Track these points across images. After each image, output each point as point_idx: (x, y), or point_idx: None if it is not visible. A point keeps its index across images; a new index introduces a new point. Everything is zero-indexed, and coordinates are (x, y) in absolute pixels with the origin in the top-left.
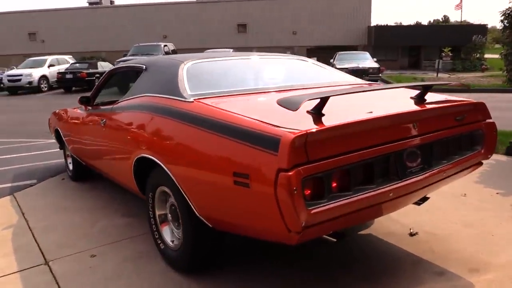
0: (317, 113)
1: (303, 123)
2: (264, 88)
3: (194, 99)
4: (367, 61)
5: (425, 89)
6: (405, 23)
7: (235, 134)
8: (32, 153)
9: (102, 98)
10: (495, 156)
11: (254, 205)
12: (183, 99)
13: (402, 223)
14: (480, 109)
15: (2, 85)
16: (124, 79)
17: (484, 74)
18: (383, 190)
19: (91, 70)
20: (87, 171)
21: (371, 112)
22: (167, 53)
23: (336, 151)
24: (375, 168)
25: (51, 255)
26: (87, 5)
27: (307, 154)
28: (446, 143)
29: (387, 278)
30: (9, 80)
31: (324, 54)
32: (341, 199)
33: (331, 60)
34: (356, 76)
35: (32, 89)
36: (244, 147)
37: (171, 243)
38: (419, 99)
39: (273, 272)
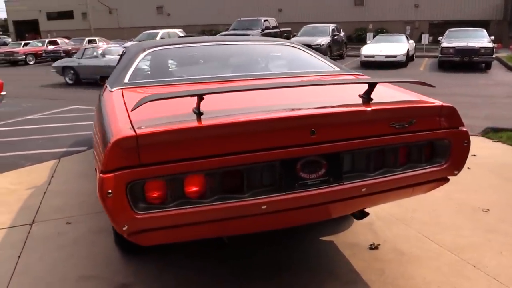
0: (196, 112)
1: (163, 123)
2: (209, 78)
3: (117, 89)
4: (482, 40)
5: (370, 86)
6: None
7: (105, 128)
8: None
9: None
10: None
11: None
12: (110, 88)
13: (379, 235)
14: (447, 114)
15: (118, 55)
16: None
17: None
18: (251, 202)
19: None
20: None
21: (263, 113)
22: (267, 28)
23: (185, 155)
24: (246, 176)
25: (40, 218)
26: None
27: (139, 157)
28: (376, 153)
29: None
30: None
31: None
32: (190, 207)
33: (439, 38)
34: (465, 56)
35: None
36: (103, 143)
37: None
38: (365, 98)
39: (196, 267)
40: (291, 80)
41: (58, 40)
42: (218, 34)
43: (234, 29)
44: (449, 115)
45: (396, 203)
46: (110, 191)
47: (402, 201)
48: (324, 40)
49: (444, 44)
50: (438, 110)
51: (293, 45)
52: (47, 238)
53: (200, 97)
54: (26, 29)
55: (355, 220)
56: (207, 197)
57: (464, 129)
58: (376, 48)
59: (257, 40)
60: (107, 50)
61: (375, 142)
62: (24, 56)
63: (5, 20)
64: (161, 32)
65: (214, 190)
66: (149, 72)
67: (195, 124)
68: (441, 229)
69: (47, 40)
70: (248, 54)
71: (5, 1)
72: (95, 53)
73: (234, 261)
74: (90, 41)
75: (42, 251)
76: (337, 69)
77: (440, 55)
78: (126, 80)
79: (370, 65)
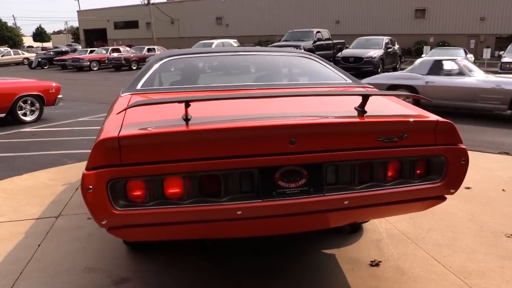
0: (184, 118)
1: (147, 126)
2: (217, 87)
3: (127, 94)
4: None
5: (364, 99)
6: None
7: (101, 129)
8: None
9: None
10: None
11: None
12: (121, 93)
13: (384, 252)
14: (444, 130)
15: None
16: None
17: None
18: (226, 206)
19: None
20: None
21: (242, 121)
22: (319, 39)
23: (164, 157)
24: (224, 181)
25: (66, 212)
26: None
27: (120, 157)
28: (363, 166)
29: None
30: None
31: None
32: (168, 207)
33: (501, 53)
34: None
35: None
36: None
37: None
38: (358, 111)
39: (190, 266)
40: (294, 90)
41: (121, 48)
42: (269, 45)
43: (286, 40)
44: (446, 131)
45: (412, 222)
46: (90, 186)
47: (418, 219)
48: (376, 53)
49: (505, 59)
50: (433, 126)
51: (309, 56)
52: (66, 231)
53: (187, 104)
54: (95, 37)
55: (362, 235)
56: (185, 199)
57: (462, 146)
58: None
59: (272, 51)
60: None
61: (360, 155)
62: (88, 63)
63: (77, 28)
64: (215, 42)
65: (192, 193)
66: (162, 79)
67: (173, 129)
68: (453, 251)
69: (110, 48)
70: (258, 64)
71: (77, 11)
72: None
73: (232, 266)
74: (149, 50)
75: (59, 241)
76: (349, 81)
77: (499, 71)
78: (139, 86)
79: None
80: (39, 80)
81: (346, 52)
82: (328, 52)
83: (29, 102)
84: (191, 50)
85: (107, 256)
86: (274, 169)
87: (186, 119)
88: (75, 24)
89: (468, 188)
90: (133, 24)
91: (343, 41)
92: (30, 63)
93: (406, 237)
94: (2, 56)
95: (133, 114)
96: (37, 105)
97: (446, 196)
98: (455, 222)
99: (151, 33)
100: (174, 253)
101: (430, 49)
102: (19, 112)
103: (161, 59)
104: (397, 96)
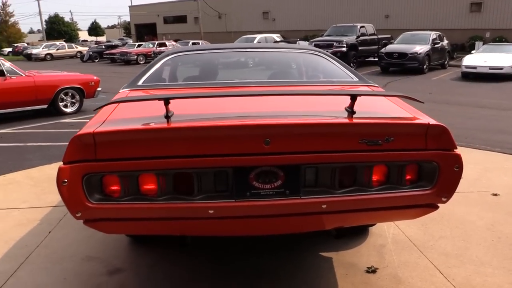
0: (165, 115)
1: (126, 123)
2: (215, 84)
3: (125, 90)
4: None
5: (352, 99)
6: None
7: None
8: None
9: None
10: None
11: None
12: (121, 89)
13: (385, 259)
14: (436, 134)
15: None
16: None
17: None
18: (198, 205)
19: None
20: None
21: (217, 120)
22: (363, 34)
23: (138, 154)
24: (197, 180)
25: None
26: None
27: (95, 153)
28: (344, 169)
29: None
30: None
31: None
32: (142, 203)
33: None
34: None
35: None
36: None
37: None
38: (348, 111)
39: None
40: (286, 89)
41: (167, 42)
42: (309, 40)
43: (328, 35)
44: (438, 136)
45: (423, 228)
46: (65, 180)
47: (430, 226)
48: (422, 49)
49: None
50: (423, 129)
51: (317, 53)
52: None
53: (166, 102)
54: (146, 31)
55: (366, 239)
56: (158, 196)
57: (457, 152)
58: (480, 58)
59: (281, 48)
60: None
61: (341, 158)
62: (135, 56)
63: (129, 23)
64: (258, 36)
65: (166, 190)
66: (166, 76)
67: (146, 126)
68: (461, 262)
69: (156, 42)
70: (262, 62)
71: (129, 6)
72: None
73: (223, 265)
74: (193, 44)
75: (69, 229)
76: (355, 79)
77: None
78: (140, 82)
79: (472, 76)
80: (80, 74)
81: (390, 47)
82: (373, 47)
83: (70, 94)
84: (200, 46)
85: (109, 246)
86: (248, 169)
87: (167, 116)
88: (128, 18)
89: (495, 194)
90: (181, 19)
91: (389, 36)
92: (82, 56)
93: (412, 244)
94: (57, 49)
95: (121, 110)
96: (77, 97)
97: (438, 204)
98: (471, 231)
99: (198, 28)
100: (169, 248)
101: (483, 45)
102: (60, 103)
103: (168, 55)
104: (377, 95)
